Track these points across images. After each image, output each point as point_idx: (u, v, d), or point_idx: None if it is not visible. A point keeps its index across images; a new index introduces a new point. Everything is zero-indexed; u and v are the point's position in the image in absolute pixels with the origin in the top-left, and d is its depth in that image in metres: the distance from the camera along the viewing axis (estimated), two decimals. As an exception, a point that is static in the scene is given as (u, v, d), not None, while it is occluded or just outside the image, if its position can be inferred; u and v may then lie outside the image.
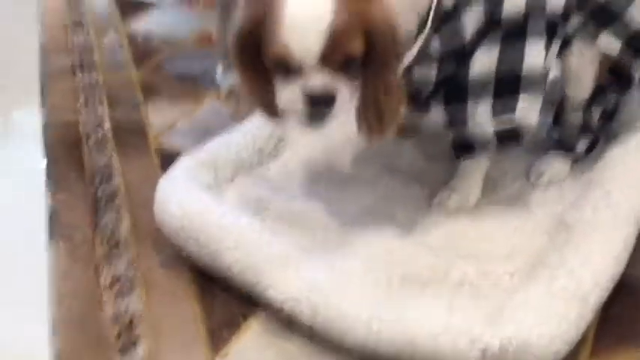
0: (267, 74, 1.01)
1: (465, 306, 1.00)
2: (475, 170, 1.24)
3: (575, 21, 1.15)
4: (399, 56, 1.00)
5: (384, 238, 1.14)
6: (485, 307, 1.00)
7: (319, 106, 0.96)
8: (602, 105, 1.27)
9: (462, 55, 1.08)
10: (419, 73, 1.08)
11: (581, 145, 1.28)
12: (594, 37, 1.16)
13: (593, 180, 1.22)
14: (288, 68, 0.96)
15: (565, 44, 1.17)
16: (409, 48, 1.04)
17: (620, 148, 1.26)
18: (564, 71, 1.19)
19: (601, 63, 1.20)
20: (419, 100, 1.16)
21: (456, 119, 1.13)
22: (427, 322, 0.92)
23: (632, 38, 1.15)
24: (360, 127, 1.03)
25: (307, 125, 1.01)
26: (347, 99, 0.98)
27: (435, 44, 1.05)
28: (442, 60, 1.07)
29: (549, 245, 1.11)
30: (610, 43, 1.15)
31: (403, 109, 1.03)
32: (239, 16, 1.02)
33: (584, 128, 1.27)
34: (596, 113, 1.27)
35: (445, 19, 1.04)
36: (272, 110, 1.08)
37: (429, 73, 1.09)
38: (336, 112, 0.97)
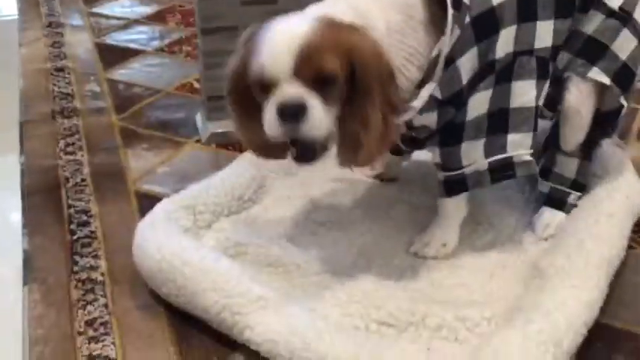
0: (258, 112, 1.03)
1: (443, 349, 1.00)
2: (454, 216, 1.25)
3: (564, 57, 1.18)
4: (386, 94, 1.01)
5: (361, 283, 1.14)
6: (463, 350, 1.00)
7: (291, 117, 0.97)
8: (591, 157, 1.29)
9: (460, 100, 1.11)
10: (419, 119, 1.11)
11: (573, 198, 1.29)
12: (584, 72, 1.18)
13: (566, 229, 1.24)
14: (268, 88, 0.98)
15: (558, 81, 1.21)
16: (412, 99, 1.07)
17: (590, 200, 1.29)
18: (562, 110, 1.23)
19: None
20: (416, 142, 1.19)
21: (451, 160, 1.17)
22: (405, 364, 0.92)
23: (619, 73, 1.18)
24: (337, 157, 1.05)
25: (287, 141, 1.01)
26: (322, 117, 0.98)
27: (436, 92, 1.08)
28: (442, 106, 1.11)
29: (525, 292, 1.13)
30: (600, 77, 1.18)
31: (385, 148, 1.05)
32: (231, 59, 1.05)
33: (576, 184, 1.28)
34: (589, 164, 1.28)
35: (443, 67, 1.07)
36: (262, 148, 1.11)
37: (430, 119, 1.12)
38: (312, 128, 0.97)
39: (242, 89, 1.04)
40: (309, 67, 0.96)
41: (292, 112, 0.96)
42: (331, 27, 0.99)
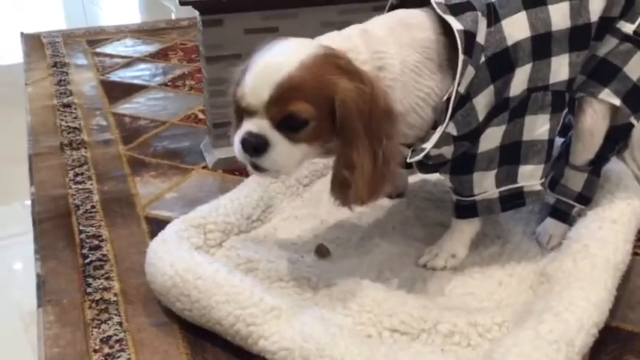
0: None
1: (456, 351, 1.01)
2: (466, 231, 1.27)
3: (577, 79, 1.20)
4: (378, 138, 1.02)
5: (372, 293, 1.15)
6: (476, 352, 1.01)
7: (251, 150, 1.01)
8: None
9: (475, 135, 1.14)
10: (435, 152, 1.13)
11: (576, 211, 1.31)
12: (595, 93, 1.20)
13: (571, 236, 1.26)
14: (247, 112, 1.02)
15: (572, 102, 1.23)
16: (426, 138, 1.10)
17: (592, 208, 1.31)
18: (576, 129, 1.25)
19: None
20: (430, 167, 1.21)
21: (463, 188, 1.19)
22: (420, 365, 0.94)
23: (629, 94, 1.20)
24: (331, 195, 1.08)
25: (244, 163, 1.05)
26: (285, 155, 1.01)
27: (451, 129, 1.10)
28: (457, 141, 1.13)
29: (534, 298, 1.14)
30: (610, 99, 1.20)
31: (379, 191, 1.06)
32: (237, 71, 1.09)
33: (581, 197, 1.29)
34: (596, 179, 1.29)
35: (459, 105, 1.09)
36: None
37: (446, 153, 1.15)
38: (273, 164, 1.01)
39: (237, 105, 1.07)
40: (280, 108, 0.99)
41: (252, 146, 1.01)
42: (321, 65, 1.01)
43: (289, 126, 1.00)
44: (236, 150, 1.04)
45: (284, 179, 1.47)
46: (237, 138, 1.03)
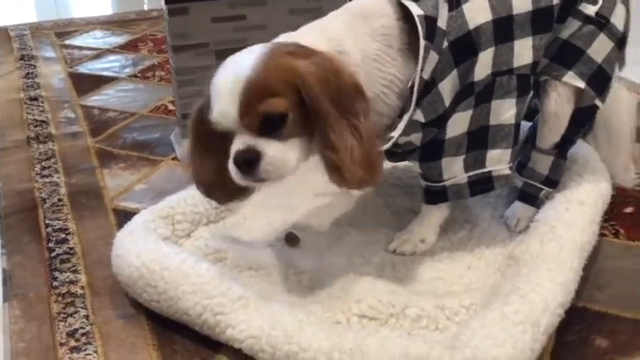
0: (214, 154, 1.06)
1: (424, 334, 1.01)
2: (435, 216, 1.27)
3: (542, 62, 1.20)
4: (352, 112, 1.00)
5: (341, 280, 1.16)
6: (444, 335, 1.01)
7: (247, 167, 0.99)
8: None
9: (443, 121, 1.13)
10: (403, 140, 1.13)
11: (544, 194, 1.32)
12: (559, 76, 1.20)
13: (538, 219, 1.27)
14: (228, 135, 1.00)
15: (537, 85, 1.23)
16: (394, 125, 1.09)
17: (559, 190, 1.32)
18: (541, 112, 1.26)
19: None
20: (398, 155, 1.21)
21: (432, 173, 1.19)
22: (387, 349, 0.93)
23: (594, 77, 1.20)
24: (331, 181, 1.04)
25: (247, 184, 1.03)
26: (281, 157, 0.99)
27: (419, 116, 1.10)
28: (425, 128, 1.13)
29: (502, 281, 1.15)
30: (574, 81, 1.20)
31: (371, 166, 1.02)
32: (198, 101, 1.07)
33: (549, 180, 1.30)
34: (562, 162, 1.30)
35: (425, 91, 1.09)
36: (209, 188, 1.13)
37: (415, 140, 1.14)
38: (272, 171, 0.99)
39: (203, 131, 1.06)
40: (253, 114, 0.97)
41: (246, 163, 0.99)
42: (273, 58, 0.99)
43: (270, 127, 0.98)
44: (234, 176, 1.01)
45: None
46: (230, 165, 1.01)
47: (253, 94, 0.97)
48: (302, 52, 1.01)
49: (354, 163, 0.99)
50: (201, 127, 1.06)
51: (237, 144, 0.99)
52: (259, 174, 0.99)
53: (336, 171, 1.01)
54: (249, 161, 0.98)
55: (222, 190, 1.12)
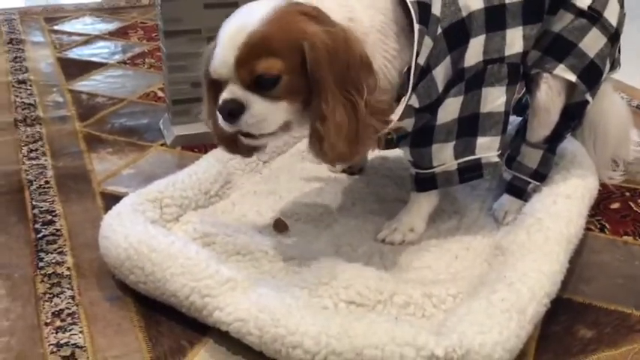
0: None
1: (411, 320, 1.02)
2: (425, 205, 1.27)
3: (533, 55, 1.21)
4: (355, 86, 1.00)
5: (329, 266, 1.15)
6: (430, 322, 1.02)
7: (230, 116, 1.01)
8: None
9: (436, 107, 1.14)
10: (397, 125, 1.11)
11: (532, 187, 1.32)
12: (551, 69, 1.21)
13: (525, 211, 1.28)
14: (222, 85, 1.01)
15: (526, 77, 1.24)
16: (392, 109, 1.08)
17: (547, 183, 1.33)
18: (532, 105, 1.26)
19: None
20: (389, 142, 1.20)
21: (422, 160, 1.20)
22: (374, 333, 0.94)
23: (585, 71, 1.21)
24: (308, 150, 1.06)
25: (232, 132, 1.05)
26: (264, 114, 1.00)
27: (414, 101, 1.10)
28: (419, 113, 1.13)
29: (489, 270, 1.16)
30: (565, 74, 1.21)
31: (356, 146, 1.02)
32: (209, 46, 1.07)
33: (537, 174, 1.31)
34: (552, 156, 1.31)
35: (420, 76, 1.09)
36: (226, 140, 1.13)
37: (407, 125, 1.14)
38: (253, 125, 1.01)
39: (212, 82, 1.06)
40: (248, 70, 0.98)
41: (229, 112, 1.00)
42: (285, 15, 0.99)
43: (262, 86, 0.99)
44: (220, 122, 1.03)
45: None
46: (217, 110, 1.02)
47: (253, 49, 0.97)
48: (317, 15, 1.00)
49: (339, 138, 1.00)
50: (210, 78, 1.06)
51: (226, 92, 1.01)
52: (240, 125, 1.01)
53: (317, 142, 1.01)
54: (232, 111, 1.00)
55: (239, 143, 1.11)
